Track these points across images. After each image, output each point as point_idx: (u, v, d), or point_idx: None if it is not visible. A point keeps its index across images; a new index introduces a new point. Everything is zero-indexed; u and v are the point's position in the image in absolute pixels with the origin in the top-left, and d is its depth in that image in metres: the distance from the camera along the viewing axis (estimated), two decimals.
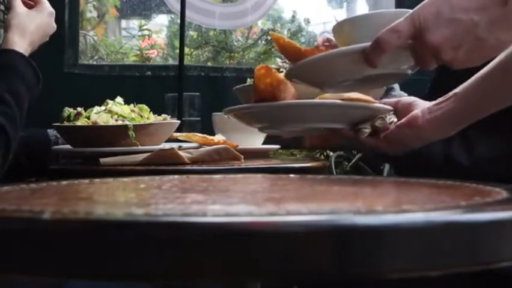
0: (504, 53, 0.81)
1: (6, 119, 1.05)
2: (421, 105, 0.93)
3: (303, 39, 3.41)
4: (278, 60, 3.35)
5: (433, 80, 1.19)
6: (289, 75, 0.87)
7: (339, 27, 0.91)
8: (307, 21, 3.47)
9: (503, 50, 0.74)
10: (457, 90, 0.88)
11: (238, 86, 1.05)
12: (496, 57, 0.76)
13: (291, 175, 0.77)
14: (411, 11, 0.75)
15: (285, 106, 0.93)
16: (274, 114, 0.95)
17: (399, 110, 0.97)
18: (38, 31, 1.19)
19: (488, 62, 0.79)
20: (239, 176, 0.85)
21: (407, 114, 0.93)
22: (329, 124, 0.96)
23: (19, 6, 1.19)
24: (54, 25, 1.23)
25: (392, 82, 0.88)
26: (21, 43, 1.15)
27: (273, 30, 3.28)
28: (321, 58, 0.81)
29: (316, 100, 0.95)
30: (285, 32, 3.33)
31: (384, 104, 0.98)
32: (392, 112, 0.97)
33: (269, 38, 3.28)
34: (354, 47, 0.79)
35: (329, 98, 0.95)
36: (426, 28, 0.73)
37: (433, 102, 0.91)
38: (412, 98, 1.00)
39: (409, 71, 0.84)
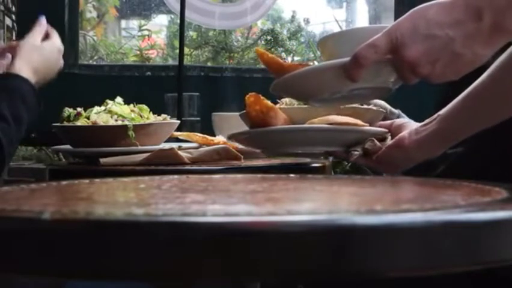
0: (484, 74, 0.83)
1: (3, 134, 1.08)
2: (411, 127, 0.96)
3: (302, 39, 3.41)
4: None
5: (439, 96, 1.20)
6: (274, 90, 0.91)
7: (322, 43, 0.94)
8: (307, 21, 3.47)
9: (480, 64, 0.75)
10: (441, 111, 0.90)
11: (241, 112, 1.10)
12: (473, 71, 0.78)
13: (291, 175, 0.77)
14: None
15: (273, 132, 0.99)
16: (266, 139, 1.02)
17: (393, 132, 1.00)
18: (45, 64, 1.23)
19: (471, 75, 0.81)
20: (239, 176, 0.85)
21: (398, 135, 0.96)
22: (320, 148, 1.02)
23: (34, 37, 1.24)
24: (62, 61, 1.28)
25: (377, 97, 0.91)
26: (26, 71, 1.17)
27: (273, 30, 3.29)
28: (303, 73, 0.84)
29: (304, 125, 1.00)
30: (285, 32, 3.33)
31: (380, 126, 1.03)
32: (389, 134, 1.00)
33: (269, 38, 3.28)
34: (335, 62, 0.81)
35: (318, 122, 0.99)
36: (403, 43, 0.74)
37: (420, 124, 0.93)
38: (404, 120, 1.03)
39: (392, 86, 0.86)
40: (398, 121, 1.04)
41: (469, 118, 0.89)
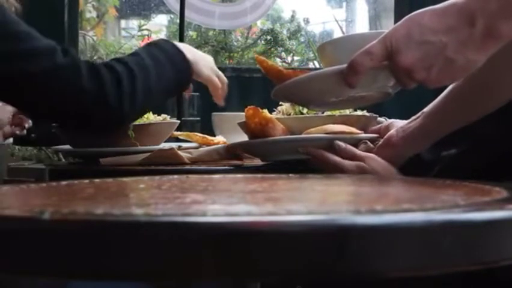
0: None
1: (135, 63, 1.07)
2: (398, 125, 1.00)
3: (302, 39, 3.41)
4: (278, 60, 3.36)
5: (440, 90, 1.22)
6: (275, 96, 0.93)
7: (321, 49, 0.97)
8: (307, 21, 3.48)
9: (474, 70, 0.77)
10: (425, 109, 0.95)
11: (240, 121, 1.15)
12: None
13: (291, 175, 0.77)
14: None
15: (272, 142, 1.05)
16: (266, 149, 1.09)
17: (382, 134, 1.03)
18: (197, 53, 1.24)
19: None
20: (239, 176, 0.85)
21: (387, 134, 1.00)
22: None
23: None
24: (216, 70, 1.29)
25: (377, 100, 0.94)
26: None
27: (273, 30, 3.28)
28: (303, 80, 0.86)
29: (302, 136, 1.05)
30: (285, 31, 3.33)
31: (371, 132, 1.08)
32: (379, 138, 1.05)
33: (269, 37, 3.28)
34: (333, 69, 0.82)
35: (314, 132, 1.04)
36: (397, 50, 0.76)
37: (407, 121, 0.98)
38: (391, 120, 1.08)
39: (391, 90, 0.87)
40: (385, 123, 1.07)
41: (449, 113, 0.92)
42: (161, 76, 1.11)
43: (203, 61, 1.23)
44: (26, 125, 1.51)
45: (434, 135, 0.95)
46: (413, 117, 0.97)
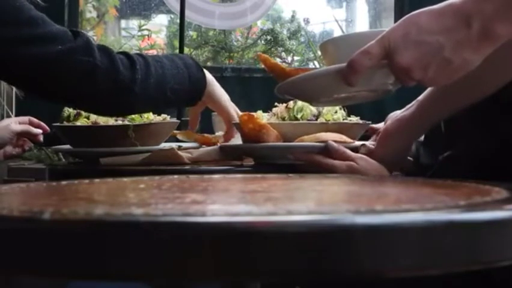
0: None
1: (150, 57, 1.11)
2: (392, 117, 1.05)
3: (302, 39, 3.40)
4: (278, 60, 3.36)
5: None
6: (279, 92, 0.96)
7: (323, 48, 0.98)
8: (307, 21, 3.47)
9: (471, 70, 0.77)
10: (419, 97, 0.98)
11: (234, 122, 1.18)
12: (464, 76, 0.80)
13: (291, 175, 0.77)
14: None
15: (264, 148, 1.10)
16: (258, 153, 1.15)
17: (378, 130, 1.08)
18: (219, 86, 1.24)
19: None
20: (239, 176, 0.85)
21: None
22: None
23: None
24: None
25: (378, 97, 0.95)
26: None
27: (273, 30, 3.28)
28: (304, 77, 0.88)
29: (294, 143, 1.08)
30: (285, 31, 3.33)
31: (373, 130, 1.12)
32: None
33: (268, 37, 3.28)
34: (334, 67, 0.85)
35: (307, 140, 1.07)
36: (395, 50, 0.77)
37: (402, 110, 1.02)
38: (390, 115, 1.11)
39: (392, 87, 0.89)
40: (386, 119, 1.09)
41: (440, 101, 0.95)
42: (176, 76, 1.13)
43: (221, 90, 1.25)
44: (27, 147, 1.54)
45: (426, 123, 0.98)
46: (407, 106, 1.00)
